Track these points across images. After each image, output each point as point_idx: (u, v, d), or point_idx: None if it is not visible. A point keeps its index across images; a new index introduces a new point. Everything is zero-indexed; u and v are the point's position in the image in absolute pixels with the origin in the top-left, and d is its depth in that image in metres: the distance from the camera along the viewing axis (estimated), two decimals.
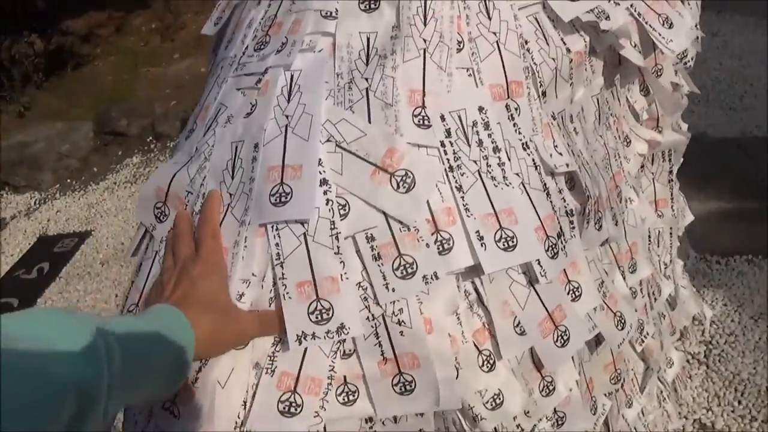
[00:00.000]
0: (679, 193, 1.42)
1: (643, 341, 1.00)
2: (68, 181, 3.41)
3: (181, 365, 0.51)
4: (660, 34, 0.78)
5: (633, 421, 1.09)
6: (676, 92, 1.03)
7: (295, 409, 0.57)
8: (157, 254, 0.65)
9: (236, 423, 0.56)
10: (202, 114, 0.70)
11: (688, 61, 0.99)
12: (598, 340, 0.80)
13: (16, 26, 4.03)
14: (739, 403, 1.48)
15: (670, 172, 1.08)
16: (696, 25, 1.06)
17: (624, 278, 0.85)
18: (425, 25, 0.62)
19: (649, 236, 1.09)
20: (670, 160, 1.08)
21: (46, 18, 4.52)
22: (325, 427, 0.59)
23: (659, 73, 0.94)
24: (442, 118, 0.61)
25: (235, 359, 0.57)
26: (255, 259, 0.58)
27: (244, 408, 0.57)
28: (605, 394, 0.84)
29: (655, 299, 1.04)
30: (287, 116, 0.61)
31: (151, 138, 3.49)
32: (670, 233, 1.13)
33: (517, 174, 0.63)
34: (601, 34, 0.73)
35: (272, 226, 0.58)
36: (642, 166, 1.07)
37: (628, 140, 0.88)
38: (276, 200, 0.58)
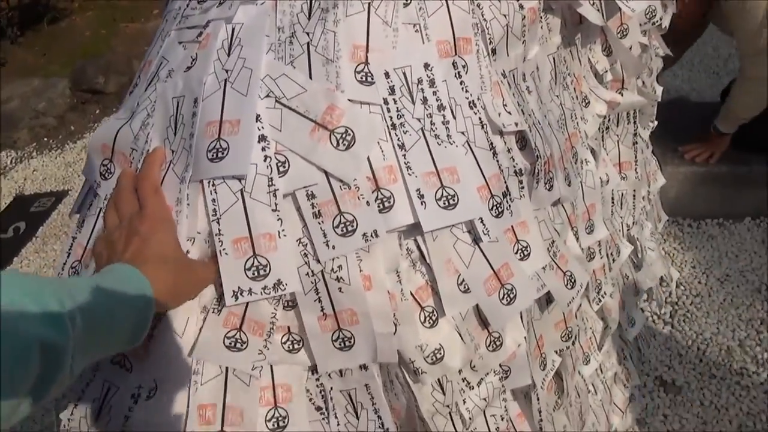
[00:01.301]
0: (652, 157, 1.42)
1: (600, 300, 1.01)
2: (45, 139, 3.36)
3: (143, 321, 0.52)
4: None
5: (590, 378, 1.12)
6: (644, 54, 1.02)
7: (241, 345, 0.58)
8: (101, 211, 0.65)
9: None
10: (145, 68, 0.68)
11: (657, 21, 0.98)
12: (549, 299, 0.82)
13: None
14: (701, 361, 1.52)
15: (635, 134, 1.08)
16: None
17: (578, 239, 0.86)
18: None
19: (612, 198, 1.10)
20: (635, 122, 1.07)
21: None
22: (272, 370, 0.60)
23: (624, 33, 0.93)
24: (386, 74, 0.60)
25: (190, 310, 0.58)
26: (198, 217, 0.58)
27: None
28: (556, 351, 0.86)
29: (614, 260, 1.05)
30: (227, 70, 0.60)
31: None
32: (633, 195, 1.13)
33: (463, 133, 0.63)
34: None
35: (209, 182, 0.57)
36: (607, 128, 1.06)
37: (586, 101, 0.87)
38: (213, 156, 0.57)
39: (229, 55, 0.60)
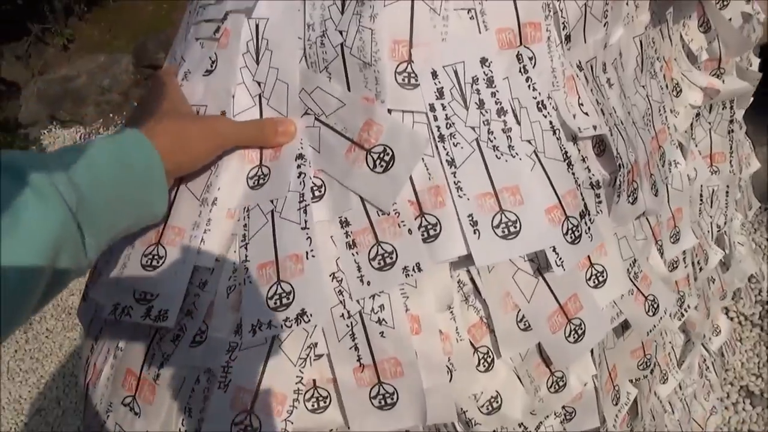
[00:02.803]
0: (745, 138, 1.24)
1: (683, 315, 0.89)
2: (111, 115, 3.43)
3: (153, 178, 0.47)
4: None
5: (668, 397, 1.00)
6: (746, 24, 0.86)
7: None
8: None
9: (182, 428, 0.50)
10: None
11: None
12: (626, 324, 0.71)
13: None
14: None
15: (731, 120, 0.93)
16: None
17: (662, 253, 0.74)
18: None
19: (701, 195, 0.96)
20: (731, 107, 0.92)
21: None
22: None
23: (725, 3, 0.78)
24: (434, 74, 0.50)
25: (191, 359, 0.51)
26: (217, 237, 0.51)
27: (189, 416, 0.51)
28: (631, 381, 0.75)
29: (701, 269, 0.92)
30: (259, 83, 0.51)
31: None
32: (727, 192, 0.99)
33: (529, 141, 0.52)
34: None
35: (244, 208, 0.50)
36: (697, 114, 0.92)
37: (678, 89, 0.73)
38: (254, 183, 0.50)
39: (258, 62, 0.52)
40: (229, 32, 0.53)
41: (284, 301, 0.49)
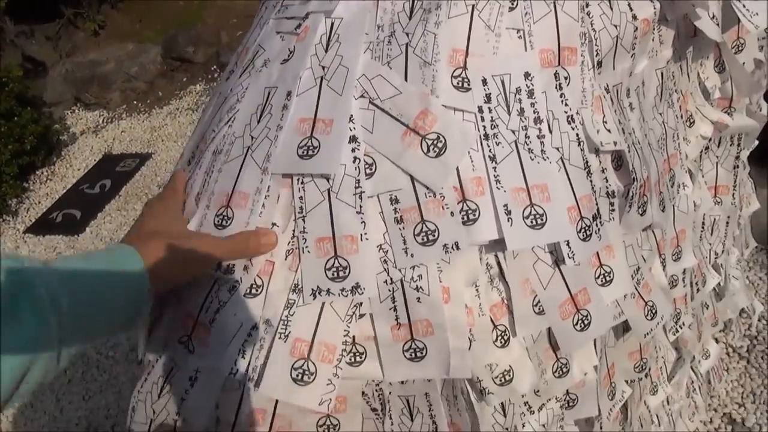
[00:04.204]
0: (748, 179, 1.32)
1: (677, 331, 0.96)
2: (134, 102, 3.51)
3: (137, 295, 0.51)
4: (744, 6, 0.71)
5: (656, 409, 1.07)
6: (758, 70, 0.94)
7: (309, 378, 0.57)
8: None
9: (236, 368, 0.57)
10: (241, 56, 0.69)
11: None
12: (626, 327, 0.78)
13: None
14: None
15: (737, 157, 1.01)
16: None
17: (664, 267, 0.81)
18: None
19: (703, 223, 1.03)
20: (739, 144, 1.00)
21: None
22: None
23: (740, 48, 0.86)
24: (484, 81, 0.58)
25: (246, 308, 0.58)
26: (278, 210, 0.58)
27: (243, 357, 0.58)
28: (626, 381, 0.82)
29: (698, 290, 0.99)
30: (323, 67, 0.59)
31: (215, 67, 3.53)
32: (727, 222, 1.06)
33: (558, 148, 0.60)
34: (676, 1, 0.67)
35: (298, 179, 0.57)
36: (706, 148, 0.99)
37: (691, 120, 0.81)
38: (303, 152, 0.57)
39: (326, 50, 0.59)
40: (308, 29, 0.61)
41: (341, 274, 0.56)
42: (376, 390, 0.63)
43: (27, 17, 3.89)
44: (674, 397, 1.13)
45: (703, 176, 1.00)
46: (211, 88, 3.40)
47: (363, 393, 0.62)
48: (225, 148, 0.62)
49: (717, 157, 1.01)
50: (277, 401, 0.58)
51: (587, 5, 0.61)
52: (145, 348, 0.64)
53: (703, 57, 0.81)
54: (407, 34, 0.58)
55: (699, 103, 0.82)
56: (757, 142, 1.28)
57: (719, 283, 1.20)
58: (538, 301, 0.61)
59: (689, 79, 0.80)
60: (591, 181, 0.62)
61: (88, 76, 3.57)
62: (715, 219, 1.04)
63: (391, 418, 0.64)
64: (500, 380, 0.61)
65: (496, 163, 0.57)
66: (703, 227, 1.03)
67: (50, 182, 3.02)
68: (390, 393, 0.63)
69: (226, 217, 0.59)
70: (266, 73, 0.63)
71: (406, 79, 0.57)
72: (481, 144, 0.57)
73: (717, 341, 1.56)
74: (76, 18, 4.07)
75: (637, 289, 0.71)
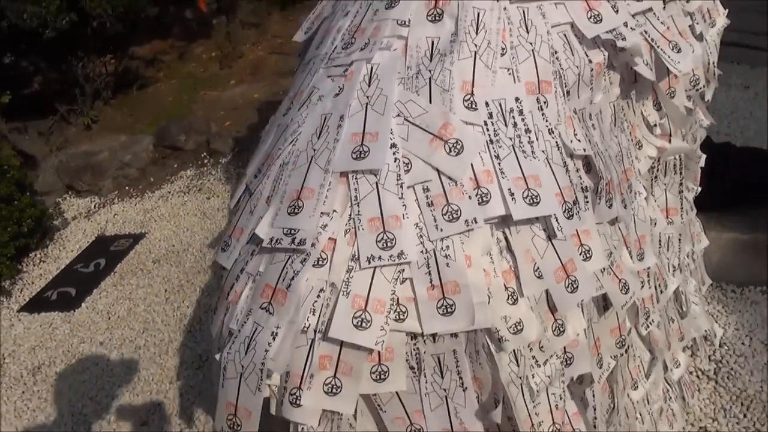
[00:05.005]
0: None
1: (648, 326, 1.13)
2: (126, 188, 3.68)
3: None
4: (669, 57, 0.96)
5: (638, 404, 1.22)
6: (689, 116, 1.19)
7: (366, 324, 0.73)
8: (249, 207, 0.84)
9: (308, 323, 0.73)
10: (297, 97, 0.90)
11: (701, 88, 1.16)
12: (606, 306, 0.95)
13: (86, 50, 4.38)
14: (744, 416, 1.57)
15: (681, 183, 1.24)
16: (713, 63, 1.24)
17: (631, 258, 1.00)
18: (477, 33, 0.81)
19: (660, 240, 1.24)
20: (681, 173, 1.23)
21: (115, 43, 4.91)
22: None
23: (672, 95, 1.11)
24: (486, 104, 0.79)
25: (315, 275, 0.75)
26: (337, 199, 0.76)
27: (313, 314, 0.74)
28: (611, 357, 0.98)
29: (661, 292, 1.18)
30: (368, 96, 0.80)
31: (205, 153, 3.76)
32: (679, 239, 1.27)
33: (543, 151, 0.80)
34: (618, 52, 0.91)
35: (352, 175, 0.76)
36: (656, 177, 1.22)
37: (640, 144, 1.04)
38: (356, 156, 0.76)
39: (369, 85, 0.80)
40: (353, 72, 0.82)
41: (389, 244, 0.74)
42: (414, 350, 0.79)
43: (21, 114, 4.11)
44: (653, 397, 1.28)
45: (655, 200, 1.22)
46: (201, 173, 3.61)
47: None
48: (291, 160, 0.81)
49: (665, 184, 1.24)
50: (341, 349, 0.73)
51: (556, 52, 0.84)
52: (226, 321, 0.79)
53: (644, 98, 1.05)
54: (430, 71, 0.79)
55: (644, 133, 1.05)
56: (699, 189, 1.54)
57: (681, 306, 1.40)
58: (538, 268, 0.79)
59: (635, 114, 1.03)
60: (569, 177, 0.82)
61: (82, 165, 3.75)
62: (669, 236, 1.25)
63: (425, 376, 0.79)
64: (513, 330, 0.77)
65: (499, 160, 0.77)
66: (660, 243, 1.24)
67: (44, 264, 3.09)
68: (425, 352, 0.78)
69: (297, 207, 0.77)
70: (321, 105, 0.83)
71: (430, 102, 0.78)
72: (488, 147, 0.77)
73: (685, 350, 1.73)
74: (69, 114, 4.31)
75: (611, 269, 0.89)
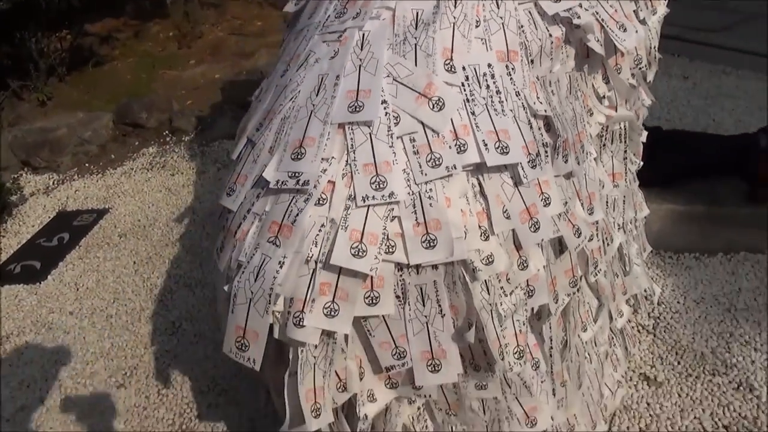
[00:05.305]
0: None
1: (596, 274, 1.29)
2: (86, 165, 3.65)
3: None
4: (616, 35, 1.10)
5: (587, 345, 1.38)
6: (633, 91, 1.35)
7: (362, 253, 0.84)
8: (252, 156, 0.94)
9: (311, 253, 0.84)
10: (293, 60, 1.00)
11: (643, 68, 1.32)
12: (561, 249, 1.10)
13: (39, 25, 4.27)
14: (679, 363, 1.77)
15: (625, 151, 1.40)
16: (654, 47, 1.40)
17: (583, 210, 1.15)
18: (455, 7, 0.93)
19: (607, 202, 1.40)
20: (625, 142, 1.39)
21: (68, 18, 4.79)
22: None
23: (619, 71, 1.26)
24: (464, 68, 0.92)
25: (317, 212, 0.86)
26: (336, 147, 0.87)
27: (315, 246, 0.85)
28: (565, 294, 1.13)
29: (608, 245, 1.34)
30: (360, 59, 0.91)
31: (167, 132, 3.76)
32: (624, 201, 1.44)
33: (511, 110, 0.93)
34: (574, 29, 1.05)
35: (349, 127, 0.87)
36: (604, 145, 1.38)
37: (591, 111, 1.19)
38: (352, 110, 0.87)
39: (362, 50, 0.91)
40: (347, 37, 0.93)
41: (381, 186, 0.85)
42: (400, 281, 0.91)
43: None
44: (599, 340, 1.44)
45: (603, 165, 1.38)
46: (163, 150, 3.62)
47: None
48: (292, 114, 0.91)
49: (612, 151, 1.40)
50: (339, 278, 0.85)
51: (522, 26, 0.97)
52: (234, 256, 0.88)
53: (594, 72, 1.20)
54: (415, 38, 0.91)
55: (594, 103, 1.20)
56: (641, 163, 1.71)
57: (624, 266, 1.57)
58: (506, 210, 0.92)
59: (587, 85, 1.18)
60: (533, 133, 0.95)
61: (39, 141, 3.69)
62: (615, 198, 1.42)
63: (409, 304, 0.92)
64: (485, 262, 0.90)
65: (475, 116, 0.90)
66: (607, 204, 1.40)
67: (3, 239, 3.06)
68: (409, 283, 0.91)
69: (300, 153, 0.87)
70: (318, 66, 0.93)
71: (416, 65, 0.90)
72: (465, 105, 0.90)
73: (629, 321, 1.92)
74: (22, 90, 4.21)
75: (567, 216, 1.04)
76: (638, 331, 1.90)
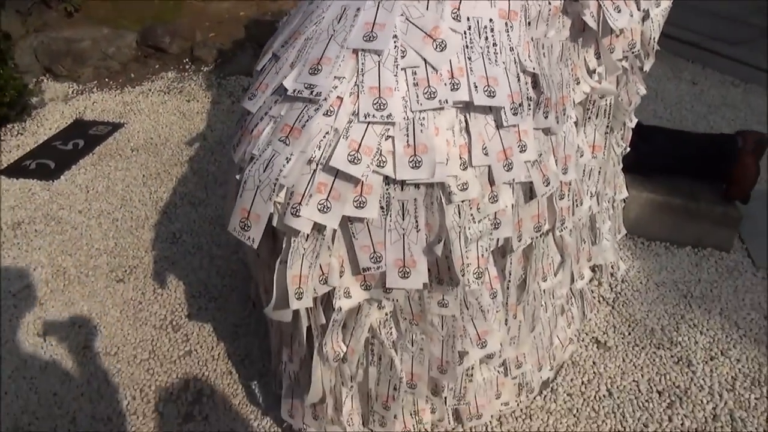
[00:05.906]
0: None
1: (562, 230, 1.44)
2: (106, 80, 3.77)
3: None
4: (611, 14, 1.23)
5: (545, 295, 1.54)
6: (624, 76, 1.48)
7: (357, 161, 0.99)
8: (274, 69, 1.08)
9: (314, 155, 0.98)
10: None
11: (636, 52, 1.44)
12: (531, 196, 1.24)
13: None
14: (629, 333, 1.94)
15: (607, 126, 1.53)
16: (654, 39, 1.52)
17: (557, 168, 1.29)
18: None
19: (584, 170, 1.54)
20: (609, 117, 1.53)
21: None
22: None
23: (611, 51, 1.39)
24: (468, 19, 1.05)
25: (324, 121, 1.00)
26: (348, 69, 1.01)
27: (318, 149, 1.00)
28: (529, 237, 1.28)
29: (577, 206, 1.49)
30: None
31: (188, 59, 3.87)
32: (599, 171, 1.58)
33: (504, 62, 1.07)
34: (573, 1, 1.18)
35: (361, 53, 1.01)
36: (589, 118, 1.52)
37: (578, 80, 1.32)
38: (366, 39, 1.01)
39: None
40: None
41: (382, 107, 0.99)
42: (385, 194, 1.05)
43: None
44: (557, 293, 1.60)
45: (585, 137, 1.52)
46: (182, 77, 3.73)
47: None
48: (315, 36, 1.05)
49: (595, 125, 1.53)
50: (334, 180, 0.99)
51: None
52: (248, 150, 1.03)
53: (588, 46, 1.33)
54: None
55: (583, 74, 1.33)
56: (628, 148, 1.85)
57: (595, 238, 1.72)
58: (485, 148, 1.07)
59: (578, 57, 1.31)
60: (520, 86, 1.09)
61: (63, 50, 3.80)
62: (592, 168, 1.56)
63: (390, 216, 1.06)
64: (460, 187, 1.05)
65: (471, 62, 1.03)
66: (584, 173, 1.54)
67: (22, 136, 3.20)
68: (393, 197, 1.05)
69: (317, 69, 1.01)
70: (335, 7, 1.07)
71: (427, 9, 1.03)
72: (464, 50, 1.03)
73: (592, 291, 2.08)
74: None
75: (539, 165, 1.18)
76: (599, 301, 2.07)
